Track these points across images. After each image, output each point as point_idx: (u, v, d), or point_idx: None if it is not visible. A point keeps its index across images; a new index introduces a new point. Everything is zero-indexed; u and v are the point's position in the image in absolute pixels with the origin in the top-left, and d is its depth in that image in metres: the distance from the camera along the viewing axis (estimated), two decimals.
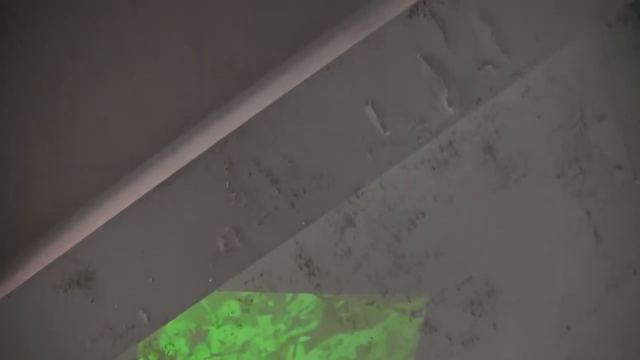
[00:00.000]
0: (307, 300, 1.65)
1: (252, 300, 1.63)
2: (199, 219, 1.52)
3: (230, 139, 1.50)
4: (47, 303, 1.52)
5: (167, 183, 1.51)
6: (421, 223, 1.61)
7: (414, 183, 1.59)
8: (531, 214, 1.67)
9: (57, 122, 1.57)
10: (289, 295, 1.63)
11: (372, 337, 1.73)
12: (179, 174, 1.50)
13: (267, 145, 1.50)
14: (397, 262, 1.60)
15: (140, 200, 1.51)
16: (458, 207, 1.62)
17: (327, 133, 1.52)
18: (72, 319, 1.53)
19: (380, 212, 1.59)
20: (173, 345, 1.70)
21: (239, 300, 1.63)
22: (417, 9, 1.54)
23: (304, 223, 1.53)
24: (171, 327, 1.70)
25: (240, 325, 1.68)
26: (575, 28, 1.56)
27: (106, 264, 1.53)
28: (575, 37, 1.58)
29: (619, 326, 1.76)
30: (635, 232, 1.71)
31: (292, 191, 1.52)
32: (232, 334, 1.69)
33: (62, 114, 1.57)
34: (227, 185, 1.51)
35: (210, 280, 1.54)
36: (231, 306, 1.66)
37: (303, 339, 1.73)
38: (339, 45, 1.54)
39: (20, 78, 1.55)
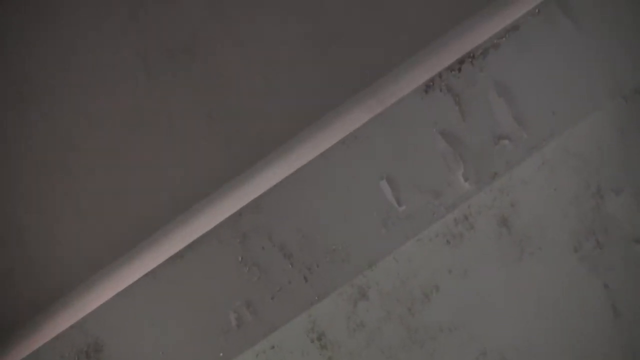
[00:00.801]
0: None
1: None
2: (211, 292, 1.50)
3: (243, 212, 1.49)
4: None
5: (179, 255, 1.49)
6: (435, 297, 1.59)
7: (428, 256, 1.57)
8: (547, 287, 1.64)
9: (71, 192, 1.57)
10: None
11: None
12: (191, 246, 1.49)
13: (281, 219, 1.49)
14: (411, 336, 1.58)
15: (152, 272, 1.49)
16: (473, 280, 1.60)
17: (342, 207, 1.50)
18: None
19: (394, 285, 1.57)
20: None
21: None
22: (433, 84, 1.54)
23: (317, 298, 1.50)
24: None
25: None
26: (592, 105, 1.56)
27: (116, 336, 1.51)
28: (591, 112, 1.58)
29: None
30: None
31: (305, 265, 1.50)
32: None
33: (75, 184, 1.57)
34: (240, 259, 1.49)
35: (221, 354, 1.51)
36: None
37: None
38: (354, 119, 1.54)
39: (35, 145, 1.56)
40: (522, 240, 1.62)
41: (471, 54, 1.56)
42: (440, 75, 1.55)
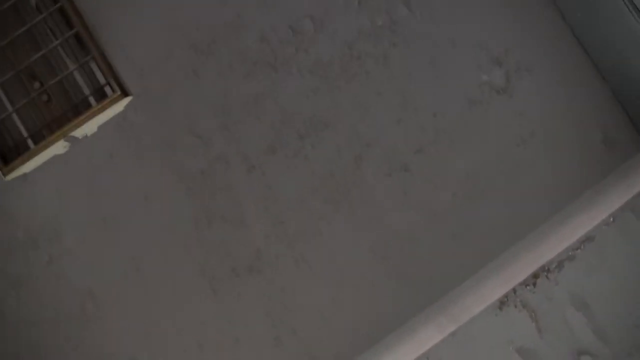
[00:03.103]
0: None
1: None
2: None
3: None
4: None
5: None
6: None
7: None
8: None
9: None
10: None
11: None
12: None
13: None
14: None
15: None
16: None
17: None
18: None
19: None
20: None
21: None
22: (507, 299, 1.47)
23: None
24: None
25: None
26: None
27: None
28: None
29: None
30: None
31: None
32: None
33: None
34: None
35: None
36: None
37: None
38: (424, 338, 1.46)
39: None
40: None
41: (546, 267, 1.49)
42: (514, 290, 1.49)
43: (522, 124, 1.56)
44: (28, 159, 1.61)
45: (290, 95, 1.55)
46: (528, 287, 1.49)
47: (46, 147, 1.61)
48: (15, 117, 1.54)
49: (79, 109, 1.60)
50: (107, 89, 1.59)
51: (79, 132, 1.50)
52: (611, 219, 1.50)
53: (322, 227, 1.55)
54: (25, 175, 1.49)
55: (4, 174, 1.58)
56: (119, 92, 1.55)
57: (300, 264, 1.55)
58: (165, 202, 1.55)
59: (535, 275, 1.49)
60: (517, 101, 1.56)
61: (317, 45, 1.55)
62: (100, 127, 1.47)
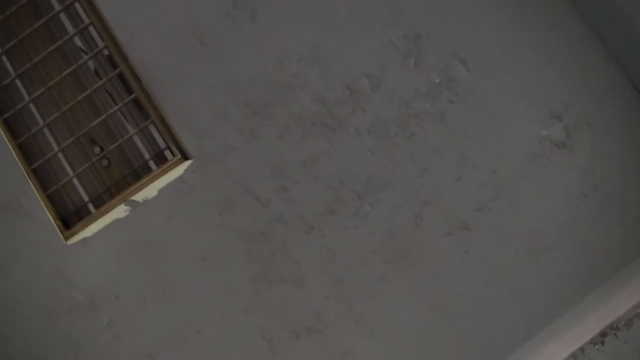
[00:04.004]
0: None
1: None
2: None
3: None
4: None
5: None
6: None
7: None
8: None
9: None
10: None
11: None
12: None
13: None
14: None
15: None
16: None
17: None
18: None
19: None
20: None
21: None
22: (575, 359, 1.43)
23: None
24: None
25: None
26: None
27: None
28: None
29: None
30: None
31: None
32: None
33: None
34: None
35: None
36: None
37: None
38: None
39: None
40: None
41: (614, 325, 1.45)
42: (582, 349, 1.45)
43: (583, 178, 1.53)
44: (89, 223, 1.62)
45: (347, 155, 1.54)
46: (596, 346, 1.45)
47: (107, 211, 1.61)
48: (75, 181, 1.55)
49: (139, 173, 1.60)
50: (167, 153, 1.59)
51: (139, 196, 1.51)
52: None
53: (382, 287, 1.53)
54: (85, 239, 1.50)
55: (65, 239, 1.59)
56: (179, 156, 1.55)
57: (361, 325, 1.53)
58: (224, 264, 1.55)
59: (603, 334, 1.46)
60: (578, 155, 1.54)
61: (374, 104, 1.54)
62: (160, 190, 1.47)
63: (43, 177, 1.47)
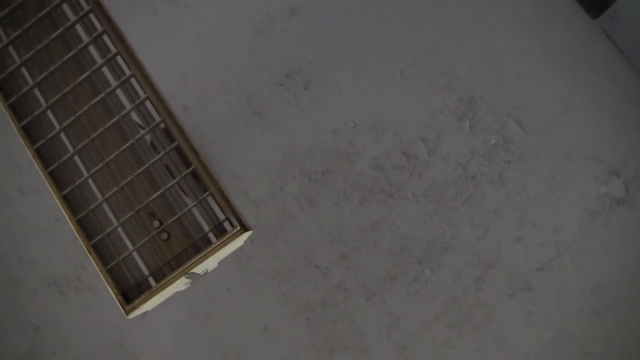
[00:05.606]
0: None
1: None
2: None
3: None
4: None
5: None
6: None
7: None
8: None
9: None
10: None
11: None
12: None
13: None
14: None
15: None
16: None
17: None
18: None
19: None
20: None
21: None
22: None
23: None
24: None
25: None
26: None
27: None
28: None
29: None
30: None
31: None
32: None
33: None
34: None
35: None
36: None
37: None
38: None
39: None
40: None
41: None
42: None
43: None
44: (150, 297, 1.61)
45: (406, 221, 1.53)
46: None
47: (167, 285, 1.60)
48: (135, 255, 1.55)
49: (199, 246, 1.59)
50: (227, 224, 1.59)
51: (199, 269, 1.51)
52: None
53: (447, 352, 1.51)
54: (145, 312, 1.50)
55: (126, 313, 1.59)
56: (238, 228, 1.54)
57: None
58: (285, 333, 1.54)
59: None
60: (639, 210, 1.52)
61: (430, 168, 1.54)
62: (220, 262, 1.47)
63: (102, 251, 1.46)
